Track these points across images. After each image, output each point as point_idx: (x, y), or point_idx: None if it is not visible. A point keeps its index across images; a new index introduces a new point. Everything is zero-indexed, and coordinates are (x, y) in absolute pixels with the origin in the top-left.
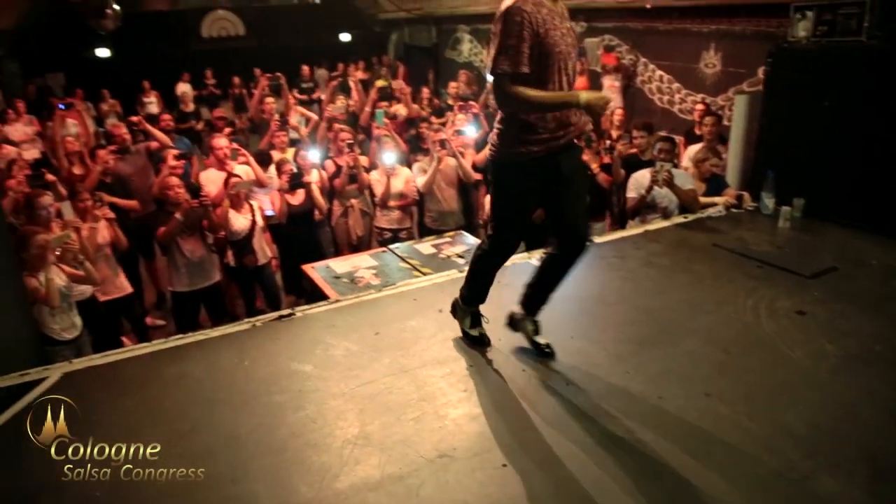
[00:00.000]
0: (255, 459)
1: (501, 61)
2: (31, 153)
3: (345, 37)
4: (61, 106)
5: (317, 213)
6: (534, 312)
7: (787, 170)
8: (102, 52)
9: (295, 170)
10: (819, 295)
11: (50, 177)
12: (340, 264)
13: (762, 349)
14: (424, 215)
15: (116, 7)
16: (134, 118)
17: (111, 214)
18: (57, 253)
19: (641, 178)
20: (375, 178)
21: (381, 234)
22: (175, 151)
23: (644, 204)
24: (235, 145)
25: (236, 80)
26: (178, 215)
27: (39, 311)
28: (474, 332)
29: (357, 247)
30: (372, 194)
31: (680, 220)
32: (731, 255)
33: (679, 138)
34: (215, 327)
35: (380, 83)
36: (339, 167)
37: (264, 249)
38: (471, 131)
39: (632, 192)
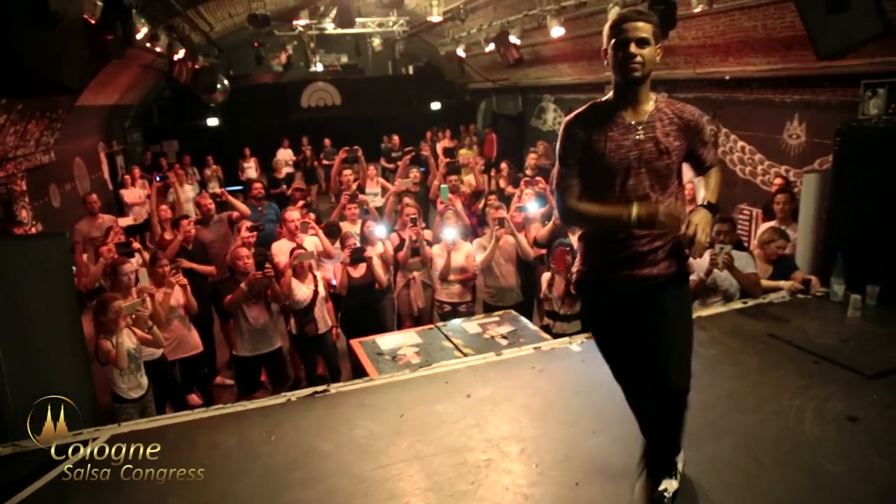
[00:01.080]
0: None
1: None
2: (127, 220)
3: (435, 105)
4: (158, 178)
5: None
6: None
7: (860, 254)
8: (212, 122)
9: (357, 244)
10: (879, 398)
11: (135, 244)
12: (387, 340)
13: (799, 459)
14: (484, 291)
15: (226, 82)
16: (218, 190)
17: (184, 281)
18: (129, 318)
19: (701, 259)
20: (437, 252)
21: (442, 307)
22: (248, 223)
23: (703, 287)
24: (307, 217)
25: (307, 151)
26: (242, 285)
27: (110, 370)
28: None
29: (418, 318)
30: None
31: (738, 305)
32: (787, 347)
33: (757, 211)
34: (255, 398)
35: (463, 152)
36: (402, 240)
37: (325, 318)
38: (533, 207)
39: (691, 275)
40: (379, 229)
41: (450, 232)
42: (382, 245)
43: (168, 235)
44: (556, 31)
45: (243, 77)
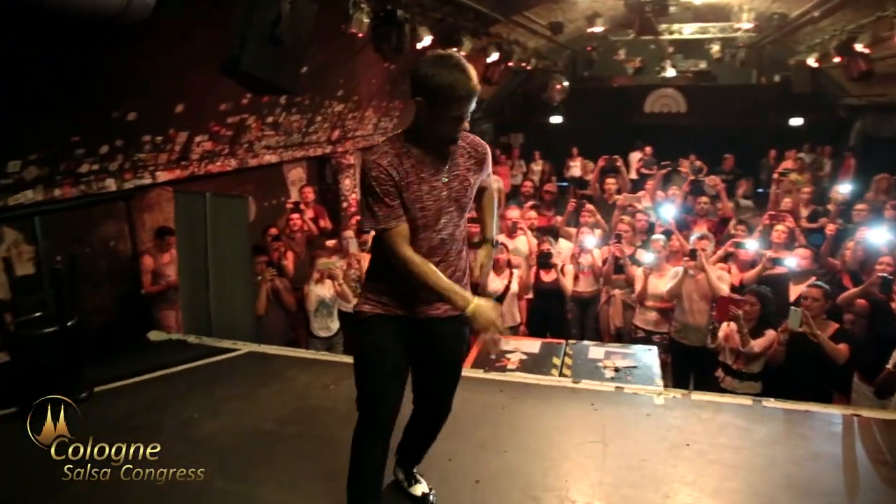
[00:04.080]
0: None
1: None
2: None
3: (795, 121)
4: None
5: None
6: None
7: None
8: (555, 119)
9: (551, 248)
10: None
11: None
12: (516, 343)
13: None
14: (672, 323)
15: (565, 83)
16: None
17: None
18: (318, 273)
19: None
20: (638, 274)
21: (636, 332)
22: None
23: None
24: (552, 219)
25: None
26: None
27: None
28: None
29: (616, 338)
30: None
31: None
32: None
33: None
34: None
35: (793, 177)
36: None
37: (513, 314)
38: (753, 245)
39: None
40: (589, 239)
41: (648, 255)
42: (591, 256)
43: None
44: None
45: (591, 79)
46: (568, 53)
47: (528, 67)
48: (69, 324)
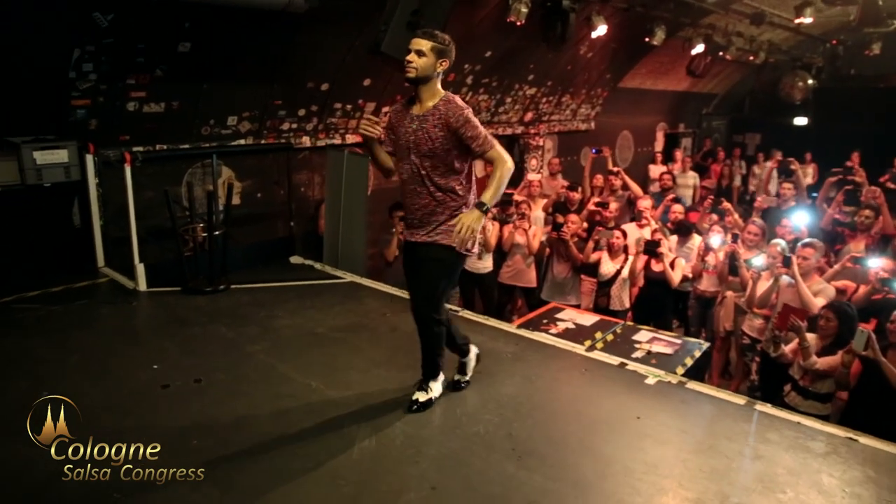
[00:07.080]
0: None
1: None
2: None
3: None
4: (594, 151)
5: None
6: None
7: None
8: (799, 121)
9: (663, 239)
10: None
11: (517, 197)
12: (574, 314)
13: None
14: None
15: (809, 81)
16: (614, 168)
17: (526, 226)
18: None
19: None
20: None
21: (742, 337)
22: (597, 199)
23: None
24: (647, 208)
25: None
26: (543, 239)
27: None
28: None
29: (725, 340)
30: None
31: None
32: None
33: None
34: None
35: None
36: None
37: (621, 298)
38: (875, 263)
39: None
40: (715, 238)
41: (758, 259)
42: (714, 256)
43: (594, 199)
44: None
45: (851, 77)
46: (828, 48)
47: (757, 61)
48: (216, 233)
